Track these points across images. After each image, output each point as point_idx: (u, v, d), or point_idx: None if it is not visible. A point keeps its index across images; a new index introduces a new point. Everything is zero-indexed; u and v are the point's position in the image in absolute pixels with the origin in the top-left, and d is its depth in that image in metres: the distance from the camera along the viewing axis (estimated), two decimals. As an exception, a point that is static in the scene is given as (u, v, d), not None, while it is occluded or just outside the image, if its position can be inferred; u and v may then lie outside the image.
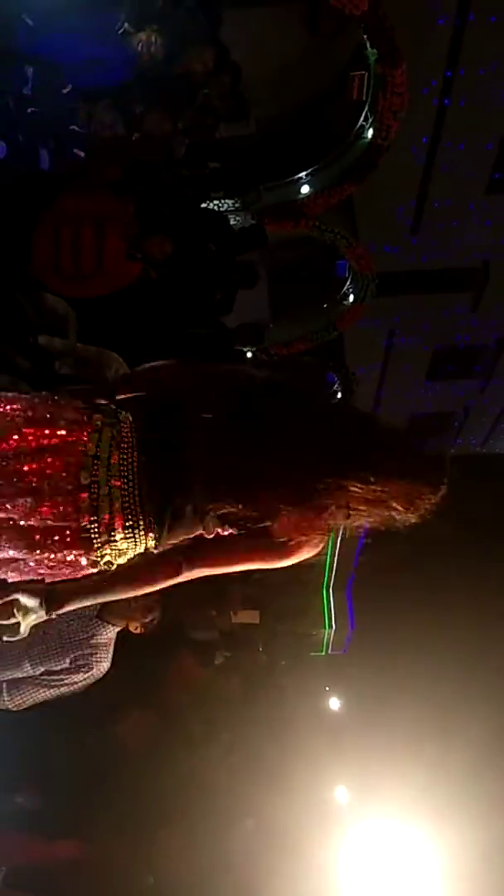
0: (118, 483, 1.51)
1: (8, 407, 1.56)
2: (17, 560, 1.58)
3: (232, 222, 5.56)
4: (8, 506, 1.52)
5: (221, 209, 6.88)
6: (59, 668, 2.78)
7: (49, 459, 1.53)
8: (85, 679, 2.77)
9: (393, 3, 6.25)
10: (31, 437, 1.55)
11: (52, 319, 3.28)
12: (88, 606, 2.52)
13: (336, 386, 10.99)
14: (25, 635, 1.57)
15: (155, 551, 1.57)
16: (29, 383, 3.07)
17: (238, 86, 4.92)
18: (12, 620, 1.54)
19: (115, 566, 1.57)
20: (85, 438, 1.53)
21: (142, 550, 1.56)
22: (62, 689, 2.77)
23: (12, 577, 1.59)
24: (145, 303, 3.71)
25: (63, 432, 1.55)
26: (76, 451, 1.52)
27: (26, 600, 1.52)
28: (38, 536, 1.52)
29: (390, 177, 8.00)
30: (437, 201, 9.12)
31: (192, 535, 1.54)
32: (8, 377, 3.04)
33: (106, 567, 1.57)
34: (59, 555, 1.54)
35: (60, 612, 1.56)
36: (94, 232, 3.35)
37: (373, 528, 1.40)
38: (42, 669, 2.78)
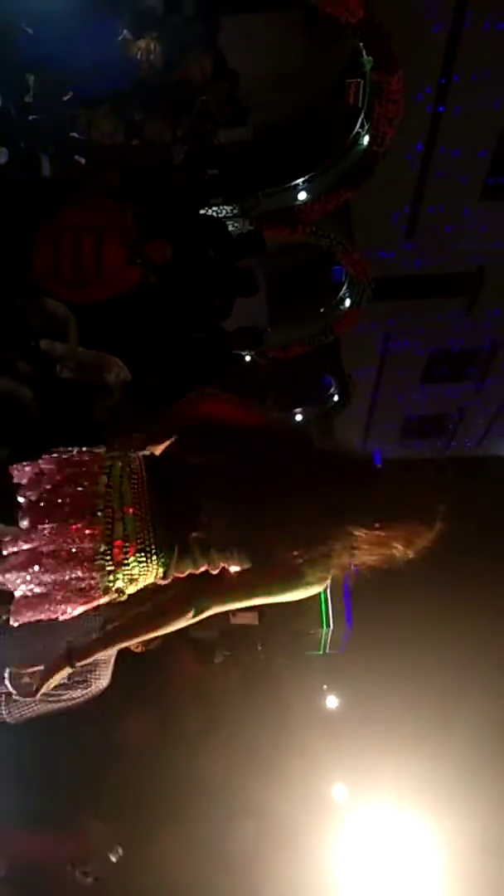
0: (131, 510, 1.57)
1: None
2: (31, 593, 1.62)
3: (230, 228, 5.61)
4: (32, 535, 1.58)
5: (220, 215, 6.93)
6: (58, 683, 2.81)
7: (66, 487, 1.59)
8: (83, 695, 2.81)
9: (388, 10, 6.31)
10: (52, 473, 1.63)
11: (53, 324, 3.32)
12: (90, 623, 2.60)
13: (333, 389, 11.05)
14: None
15: (162, 582, 1.63)
16: (30, 387, 3.11)
17: (236, 92, 4.97)
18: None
19: (125, 595, 1.62)
20: (97, 469, 1.61)
21: (151, 580, 1.62)
22: (60, 704, 2.81)
23: (27, 615, 1.64)
24: (145, 307, 3.75)
25: (79, 463, 1.63)
26: (91, 480, 1.59)
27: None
28: (52, 559, 1.57)
29: (386, 183, 8.05)
30: (431, 207, 9.19)
31: (198, 571, 1.60)
32: (9, 381, 3.08)
33: (117, 595, 1.61)
34: (72, 576, 1.58)
35: (84, 662, 1.63)
36: (94, 238, 3.39)
37: (373, 565, 1.49)
38: None
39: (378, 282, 9.26)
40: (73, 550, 1.55)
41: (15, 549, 1.62)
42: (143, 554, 1.57)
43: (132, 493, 1.59)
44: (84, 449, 1.68)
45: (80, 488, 1.59)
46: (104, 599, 1.62)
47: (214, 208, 6.65)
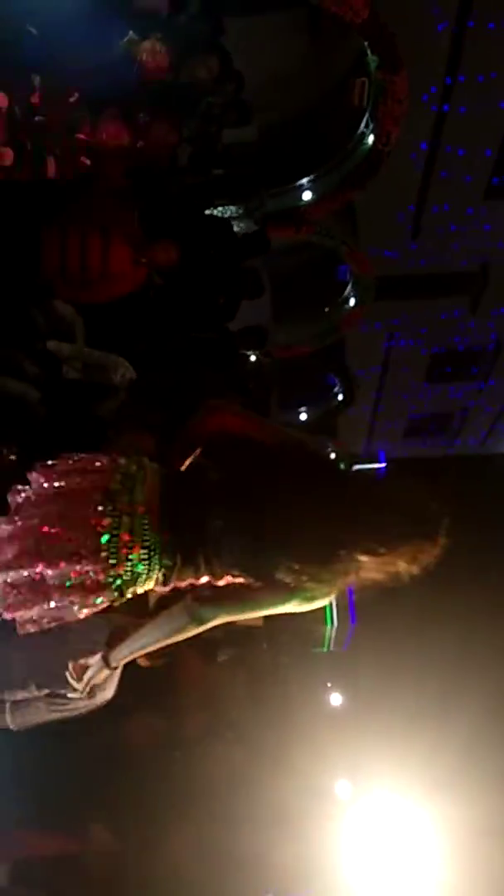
0: (141, 509, 1.59)
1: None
2: (28, 587, 1.64)
3: (235, 229, 5.62)
4: (35, 519, 1.60)
5: (225, 216, 6.94)
6: (63, 691, 2.84)
7: (77, 479, 1.63)
8: (88, 705, 2.83)
9: (393, 10, 6.31)
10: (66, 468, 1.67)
11: (60, 325, 3.34)
12: (96, 633, 2.64)
13: (337, 388, 11.06)
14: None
15: (162, 589, 1.65)
16: (37, 388, 3.14)
17: (241, 93, 4.98)
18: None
19: (126, 597, 1.64)
20: (113, 469, 1.65)
21: (152, 585, 1.64)
22: (65, 713, 2.83)
23: (29, 622, 1.67)
24: (150, 308, 3.77)
25: (95, 461, 1.68)
26: (104, 474, 1.63)
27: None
28: (56, 544, 1.58)
29: (390, 182, 8.04)
30: (436, 206, 9.17)
31: (199, 581, 1.62)
32: (17, 382, 3.10)
33: (117, 595, 1.62)
34: (74, 568, 1.58)
35: (116, 664, 1.74)
36: (100, 239, 3.41)
37: (378, 582, 1.52)
38: (47, 691, 2.84)
39: (382, 281, 9.26)
40: (77, 540, 1.57)
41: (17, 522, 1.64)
42: (146, 552, 1.58)
43: (144, 496, 1.61)
44: (101, 454, 1.72)
45: (93, 482, 1.62)
46: (103, 599, 1.63)
47: (219, 209, 6.66)
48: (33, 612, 1.64)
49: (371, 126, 7.15)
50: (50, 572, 1.58)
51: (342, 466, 1.79)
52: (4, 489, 1.74)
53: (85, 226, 3.41)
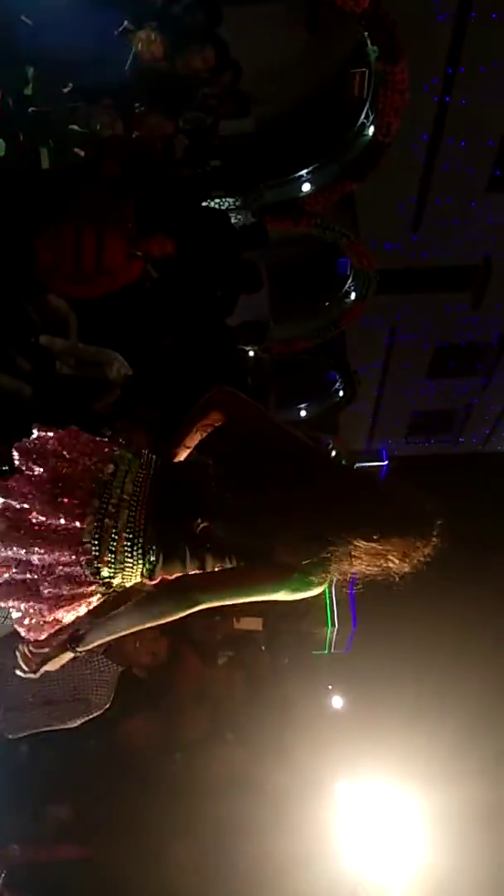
0: (127, 496, 1.59)
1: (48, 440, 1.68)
2: (15, 578, 1.61)
3: (233, 221, 5.55)
4: (25, 502, 1.59)
5: (222, 207, 6.87)
6: (58, 699, 2.81)
7: (67, 464, 1.63)
8: (82, 713, 2.80)
9: (393, 0, 6.23)
10: (56, 448, 1.67)
11: (54, 320, 3.28)
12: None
13: (338, 384, 10.98)
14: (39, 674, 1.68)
15: (149, 582, 1.64)
16: (30, 384, 3.07)
17: (238, 84, 4.90)
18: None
19: (113, 587, 1.63)
20: (107, 456, 1.65)
21: (138, 575, 1.62)
22: (59, 722, 2.80)
23: (12, 602, 1.63)
24: (146, 302, 3.71)
25: (85, 448, 1.67)
26: (100, 462, 1.64)
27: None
28: (43, 529, 1.58)
29: (391, 174, 7.97)
30: (438, 198, 9.11)
31: (187, 572, 1.61)
32: (9, 377, 3.04)
33: (104, 589, 1.61)
34: (59, 558, 1.57)
35: (84, 648, 1.66)
36: (94, 232, 3.34)
37: (370, 575, 1.52)
38: (43, 699, 2.81)
39: (383, 274, 9.18)
40: (63, 525, 1.56)
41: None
42: (130, 544, 1.58)
43: (134, 487, 1.61)
44: (101, 437, 1.72)
45: (84, 467, 1.62)
46: (93, 594, 1.62)
47: (216, 200, 6.59)
48: (24, 607, 1.62)
49: (371, 117, 7.07)
50: (35, 559, 1.57)
51: (343, 462, 1.78)
52: None
53: (79, 219, 3.34)
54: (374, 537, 1.46)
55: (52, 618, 1.64)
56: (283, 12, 7.18)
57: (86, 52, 4.03)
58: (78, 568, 1.57)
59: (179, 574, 1.61)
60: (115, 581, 1.61)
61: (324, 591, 1.63)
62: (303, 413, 11.03)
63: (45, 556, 1.57)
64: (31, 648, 1.67)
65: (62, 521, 1.56)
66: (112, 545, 1.57)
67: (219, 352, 4.06)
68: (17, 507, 1.60)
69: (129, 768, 3.45)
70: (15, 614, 1.65)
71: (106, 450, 1.67)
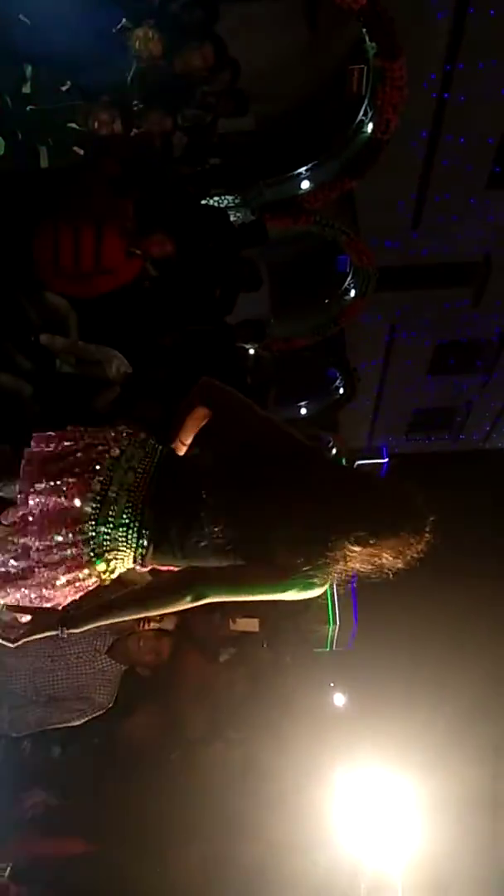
0: (128, 483, 1.61)
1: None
2: (14, 568, 1.63)
3: (232, 218, 5.54)
4: (27, 478, 1.62)
5: (221, 205, 6.86)
6: (62, 697, 2.83)
7: (78, 453, 1.64)
8: (85, 712, 2.82)
9: (392, -4, 6.22)
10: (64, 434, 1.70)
11: (53, 318, 3.28)
12: (99, 643, 2.61)
13: (338, 382, 10.98)
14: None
15: (140, 569, 1.66)
16: (30, 382, 3.08)
17: (237, 82, 4.89)
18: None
19: (107, 571, 1.63)
20: (112, 443, 1.66)
21: (130, 560, 1.64)
22: (62, 720, 2.82)
23: (10, 593, 1.64)
24: (146, 300, 3.71)
25: (98, 436, 1.69)
26: (103, 450, 1.64)
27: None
28: (41, 516, 1.59)
29: (390, 171, 7.96)
30: (437, 195, 9.10)
31: (178, 565, 1.62)
32: (9, 376, 3.04)
33: (99, 574, 1.62)
34: (57, 540, 1.59)
35: (75, 630, 1.63)
36: (93, 230, 3.35)
37: (363, 572, 1.52)
38: (46, 697, 2.82)
39: (383, 271, 9.18)
40: (63, 506, 1.58)
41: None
42: (125, 529, 1.59)
43: (136, 474, 1.63)
44: (109, 429, 1.73)
45: (89, 454, 1.63)
46: (88, 577, 1.63)
47: (216, 198, 6.58)
48: (18, 595, 1.64)
49: (370, 114, 7.06)
50: (35, 545, 1.59)
51: (343, 460, 1.78)
52: None
53: (78, 217, 3.35)
54: (371, 541, 1.46)
55: (46, 602, 1.65)
56: (281, 10, 7.17)
57: (84, 49, 4.03)
58: (74, 549, 1.58)
59: (172, 566, 1.62)
60: (110, 565, 1.63)
61: (325, 589, 1.64)
62: (303, 410, 11.03)
63: (44, 536, 1.59)
64: (15, 616, 1.67)
65: (63, 500, 1.58)
66: (109, 527, 1.58)
67: (218, 350, 4.06)
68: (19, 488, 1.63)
69: (131, 762, 3.46)
70: (9, 600, 1.66)
71: (113, 435, 1.69)
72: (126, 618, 1.65)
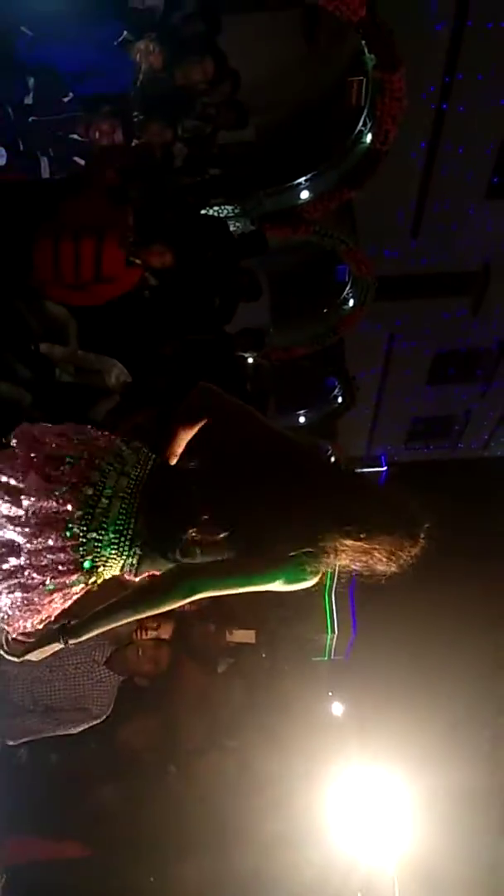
0: (121, 490, 1.60)
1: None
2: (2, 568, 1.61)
3: (232, 228, 5.57)
4: (19, 478, 1.60)
5: (221, 215, 6.89)
6: (59, 707, 2.83)
7: (68, 448, 1.63)
8: (82, 722, 2.82)
9: (390, 8, 6.27)
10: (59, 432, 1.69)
11: (53, 327, 3.29)
12: (97, 654, 2.59)
13: (337, 391, 11.00)
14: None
15: (132, 578, 1.64)
16: (29, 391, 3.08)
17: (237, 94, 4.93)
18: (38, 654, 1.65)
19: (96, 577, 1.63)
20: (108, 449, 1.66)
21: (118, 568, 1.63)
22: (59, 730, 2.82)
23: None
24: (146, 310, 3.72)
25: (95, 439, 1.69)
26: (99, 456, 1.63)
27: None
28: (31, 517, 1.57)
29: (390, 181, 8.01)
30: (436, 205, 9.15)
31: (170, 566, 1.61)
32: (9, 385, 3.04)
33: (87, 575, 1.61)
34: (46, 544, 1.57)
35: (76, 641, 1.63)
36: (94, 240, 3.36)
37: (357, 571, 1.52)
38: (43, 707, 2.83)
39: (382, 281, 9.21)
40: (56, 510, 1.56)
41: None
42: (117, 536, 1.58)
43: (129, 481, 1.62)
44: (105, 433, 1.73)
45: (82, 459, 1.62)
46: (75, 583, 1.61)
47: (216, 208, 6.61)
48: (9, 599, 1.62)
49: (369, 125, 7.11)
50: (25, 547, 1.57)
51: (341, 467, 1.80)
52: None
53: (78, 227, 3.36)
54: (362, 535, 1.46)
55: (37, 608, 1.63)
56: (281, 22, 7.23)
57: (85, 61, 4.06)
58: (63, 555, 1.57)
59: (164, 570, 1.62)
60: (98, 571, 1.62)
61: (324, 598, 1.64)
62: (302, 419, 11.05)
63: (33, 540, 1.57)
64: (17, 636, 1.66)
65: (53, 504, 1.57)
66: (100, 534, 1.57)
67: (218, 359, 4.07)
68: (13, 483, 1.60)
69: (127, 770, 3.45)
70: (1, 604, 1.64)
71: (110, 440, 1.69)
72: (125, 621, 1.64)
